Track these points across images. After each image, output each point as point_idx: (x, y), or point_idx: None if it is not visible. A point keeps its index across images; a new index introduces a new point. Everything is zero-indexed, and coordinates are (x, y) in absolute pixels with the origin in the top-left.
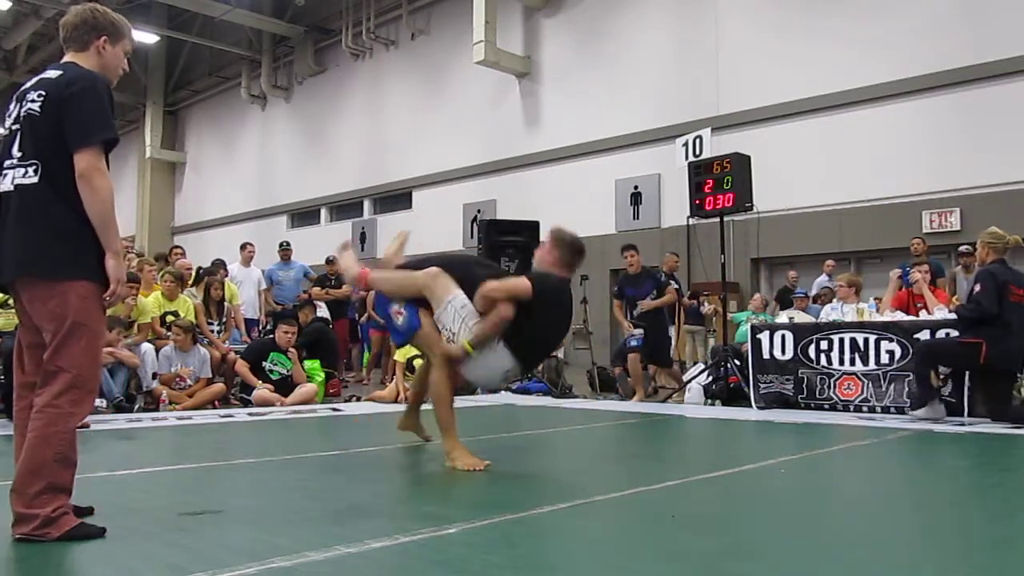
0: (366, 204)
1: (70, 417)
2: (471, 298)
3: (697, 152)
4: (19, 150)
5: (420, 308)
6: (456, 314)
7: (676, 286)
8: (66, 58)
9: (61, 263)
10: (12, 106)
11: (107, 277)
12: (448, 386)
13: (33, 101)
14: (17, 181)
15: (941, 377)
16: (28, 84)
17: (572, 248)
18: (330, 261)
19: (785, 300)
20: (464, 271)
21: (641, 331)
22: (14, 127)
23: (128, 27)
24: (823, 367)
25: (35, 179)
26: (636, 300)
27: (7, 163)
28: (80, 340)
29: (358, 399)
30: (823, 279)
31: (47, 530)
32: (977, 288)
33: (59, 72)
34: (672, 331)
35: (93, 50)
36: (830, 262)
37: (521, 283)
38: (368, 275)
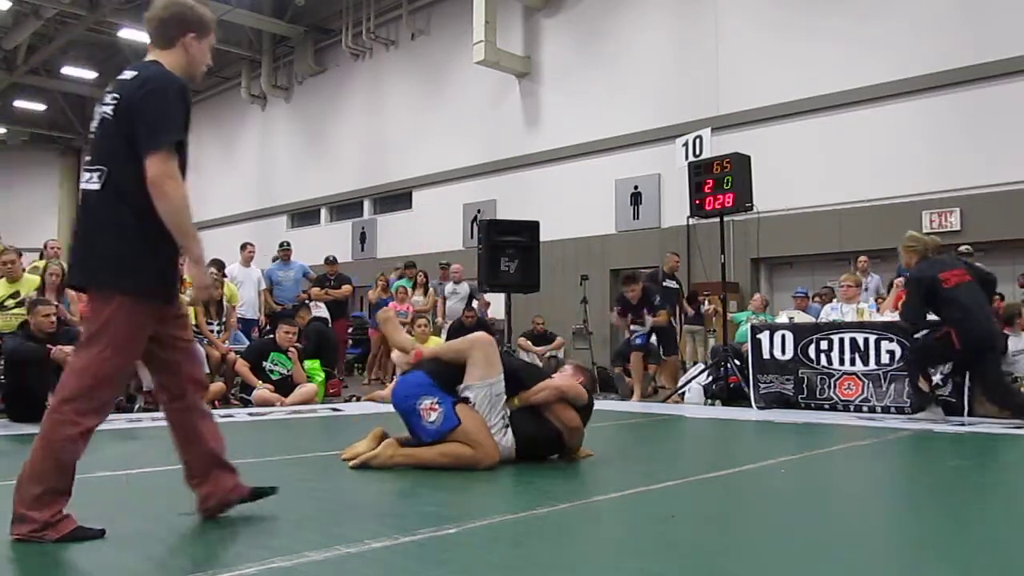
0: (366, 204)
1: (73, 426)
2: (508, 383)
3: (697, 152)
4: (90, 154)
5: (458, 402)
6: (492, 399)
7: (677, 286)
8: (149, 56)
9: (109, 275)
10: (97, 108)
11: (159, 289)
12: (468, 464)
13: (107, 104)
14: (83, 186)
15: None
16: (112, 85)
17: (593, 378)
18: (330, 261)
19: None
20: (505, 358)
21: (644, 329)
22: (92, 131)
23: (214, 20)
24: (823, 367)
25: (98, 185)
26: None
27: (84, 167)
28: (115, 355)
29: (358, 399)
30: (875, 280)
31: (45, 532)
32: (906, 297)
33: (134, 72)
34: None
35: (180, 47)
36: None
37: (580, 388)
38: (422, 354)
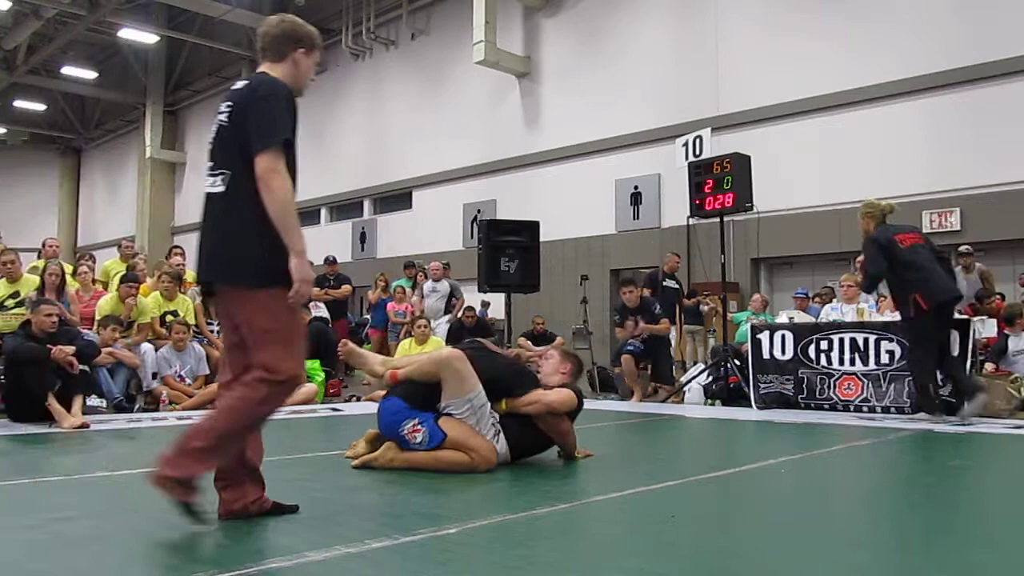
0: (366, 204)
1: (258, 405)
2: (491, 391)
3: (697, 152)
4: (211, 160)
5: (439, 417)
6: (476, 411)
7: (677, 286)
8: (260, 68)
9: (248, 271)
10: (216, 118)
11: (286, 280)
12: (466, 470)
13: (222, 112)
14: (208, 190)
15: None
16: (228, 94)
17: (580, 363)
18: (329, 261)
19: None
20: (486, 362)
21: (640, 340)
22: (211, 139)
23: (320, 39)
24: (823, 367)
25: (223, 188)
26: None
27: (206, 173)
28: (275, 343)
29: (358, 399)
30: None
31: (176, 488)
32: (860, 259)
33: (246, 82)
34: (673, 339)
35: (289, 60)
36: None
37: (571, 398)
38: (396, 374)
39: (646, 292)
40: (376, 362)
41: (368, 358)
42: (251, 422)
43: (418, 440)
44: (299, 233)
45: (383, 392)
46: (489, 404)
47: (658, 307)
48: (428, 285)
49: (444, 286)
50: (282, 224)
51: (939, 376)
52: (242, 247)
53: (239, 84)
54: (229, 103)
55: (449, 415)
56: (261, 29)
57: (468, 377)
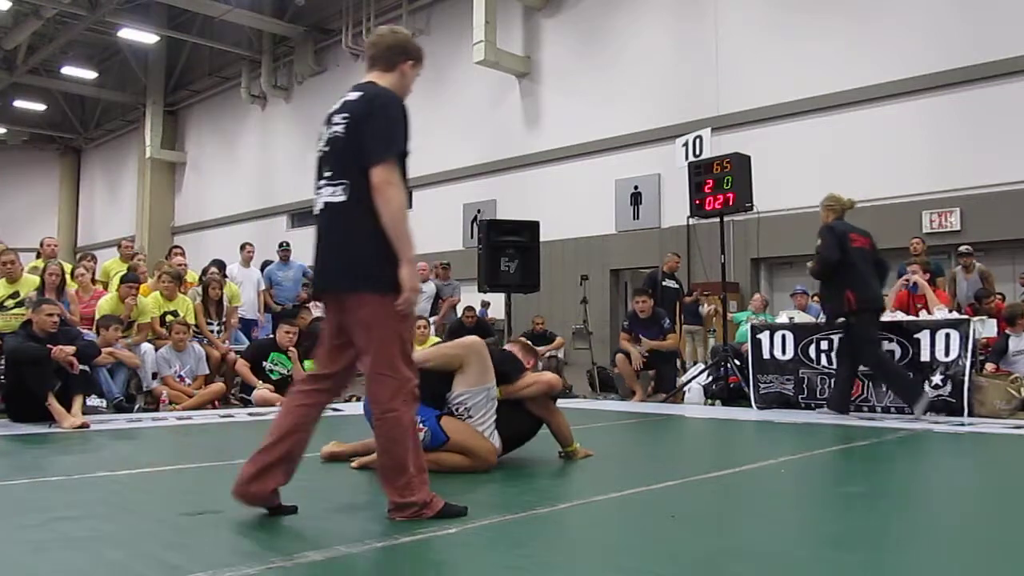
0: None
1: (404, 416)
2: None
3: (697, 152)
4: (329, 170)
5: (441, 416)
6: (487, 403)
7: (677, 286)
8: (368, 77)
9: (366, 277)
10: (322, 129)
11: (398, 286)
12: (462, 470)
13: (338, 124)
14: (327, 199)
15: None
16: (335, 107)
17: (537, 354)
18: None
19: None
20: (491, 351)
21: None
22: (324, 148)
23: (424, 51)
24: (823, 367)
25: (343, 198)
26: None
27: (319, 183)
28: (392, 346)
29: (358, 399)
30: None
31: (424, 511)
32: (819, 243)
33: (360, 93)
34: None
35: (397, 71)
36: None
37: (559, 378)
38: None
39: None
40: None
41: None
42: (407, 423)
43: (420, 439)
44: (411, 243)
45: None
46: (497, 400)
47: (668, 321)
48: None
49: (430, 287)
50: (395, 233)
51: (939, 376)
52: (363, 254)
53: (353, 95)
54: (345, 114)
55: (451, 412)
56: (372, 39)
57: (490, 368)
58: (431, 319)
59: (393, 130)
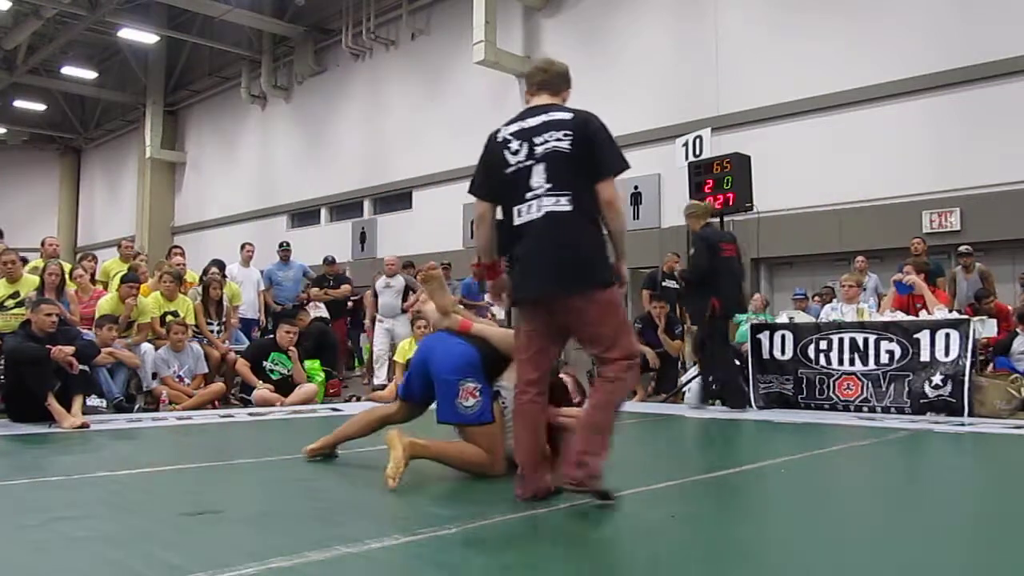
0: (366, 204)
1: (626, 388)
2: None
3: (697, 152)
4: (547, 182)
5: (495, 401)
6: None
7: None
8: (541, 100)
9: (601, 275)
10: (517, 144)
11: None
12: (471, 467)
13: (560, 140)
14: (549, 209)
15: (941, 378)
16: (533, 123)
17: None
18: (329, 262)
19: None
20: None
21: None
22: (527, 163)
23: None
24: (823, 367)
25: (569, 207)
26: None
27: (530, 194)
28: (625, 329)
29: (358, 399)
30: (873, 280)
31: (596, 481)
32: (692, 252)
33: (569, 114)
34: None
35: (560, 98)
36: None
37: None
38: (472, 325)
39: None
40: (452, 301)
41: (448, 293)
42: (626, 392)
43: (468, 404)
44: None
45: (384, 393)
46: None
47: (680, 327)
48: (381, 281)
49: (399, 281)
50: (621, 239)
51: (939, 376)
52: (591, 257)
53: (559, 115)
54: (567, 132)
55: (498, 395)
56: (542, 64)
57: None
58: (403, 317)
59: (617, 150)
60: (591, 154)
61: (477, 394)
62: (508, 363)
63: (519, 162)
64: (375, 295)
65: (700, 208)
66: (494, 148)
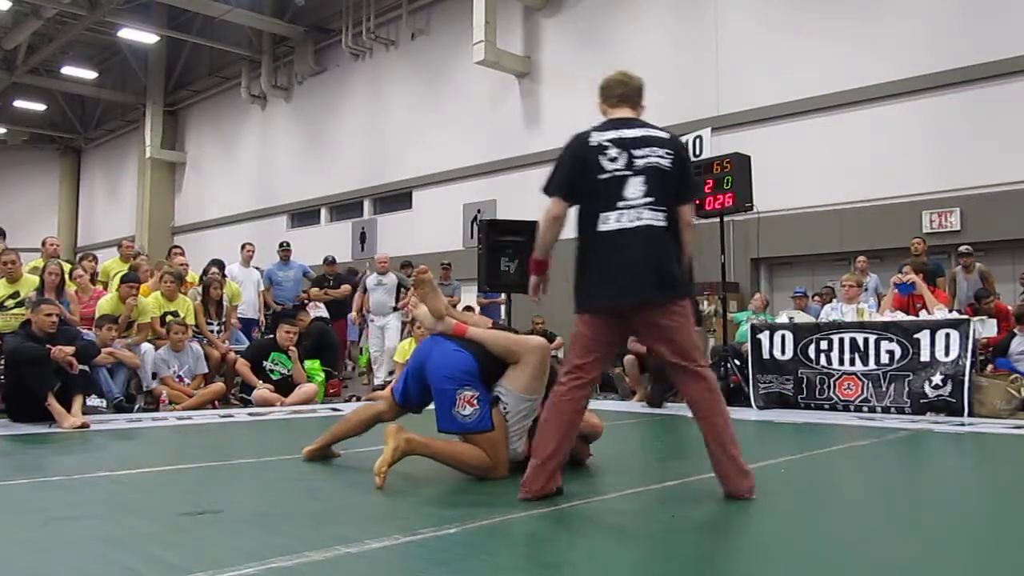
0: (366, 204)
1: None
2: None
3: (697, 152)
4: (646, 196)
5: (494, 407)
6: (527, 413)
7: None
8: (623, 113)
9: (685, 287)
10: (615, 152)
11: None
12: (472, 470)
13: (662, 157)
14: (649, 222)
15: (941, 378)
16: (632, 135)
17: None
18: (328, 262)
19: None
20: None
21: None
22: (625, 172)
23: None
24: (823, 367)
25: (664, 223)
26: None
27: (623, 203)
28: (698, 339)
29: (358, 399)
30: (874, 280)
31: (752, 483)
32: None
33: (664, 133)
34: None
35: (637, 112)
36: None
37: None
38: (467, 329)
39: None
40: (445, 304)
41: (441, 296)
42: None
43: (465, 412)
44: None
45: (384, 393)
46: (537, 412)
47: None
48: (372, 279)
49: (391, 279)
50: (693, 255)
51: (939, 376)
52: (676, 270)
53: (656, 132)
54: (668, 151)
55: (497, 400)
56: (622, 77)
57: (545, 378)
58: (395, 314)
59: (694, 176)
60: (682, 175)
61: (475, 402)
62: (505, 367)
63: (615, 170)
64: (364, 291)
65: None
66: (587, 152)
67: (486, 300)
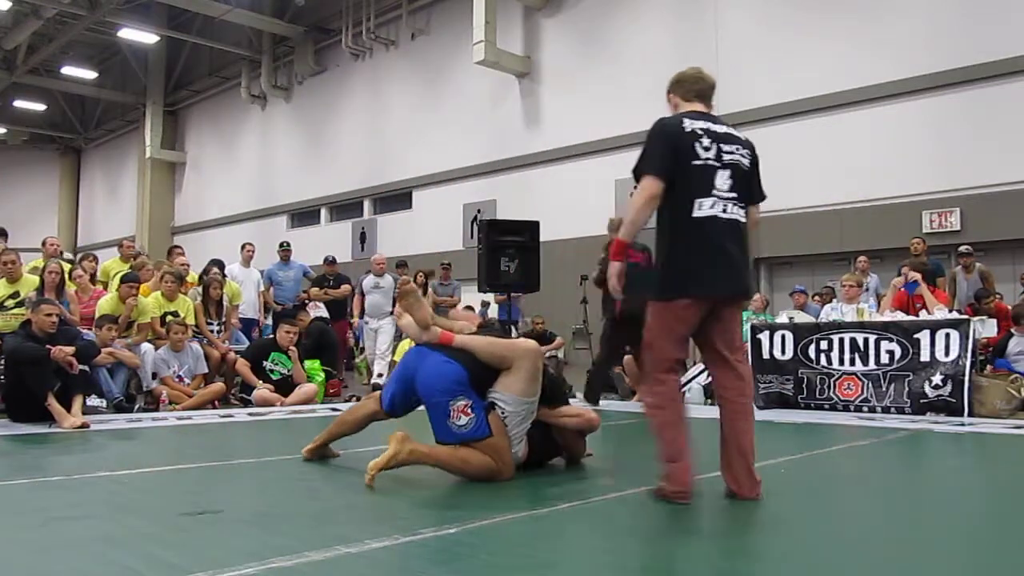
0: (366, 204)
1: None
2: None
3: None
4: (732, 190)
5: (489, 411)
6: (525, 416)
7: None
8: (699, 107)
9: (752, 284)
10: (708, 141)
11: None
12: (478, 475)
13: (743, 156)
14: (735, 217)
15: (941, 378)
16: (719, 130)
17: None
18: (329, 261)
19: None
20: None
21: None
22: (714, 163)
23: None
24: (823, 367)
25: (745, 220)
26: None
27: (715, 192)
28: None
29: (357, 399)
30: (874, 280)
31: (760, 491)
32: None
33: (740, 133)
34: None
35: (710, 109)
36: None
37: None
38: (454, 338)
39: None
40: (429, 314)
41: (426, 307)
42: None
43: (461, 423)
44: None
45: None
46: (535, 414)
47: None
48: (369, 280)
49: (388, 281)
50: (754, 254)
51: (939, 376)
52: (749, 267)
53: (735, 131)
54: (747, 151)
55: (493, 406)
56: (698, 73)
57: (539, 379)
58: (390, 318)
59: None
60: (756, 176)
61: (469, 411)
62: (497, 372)
63: (707, 159)
64: (361, 293)
65: (614, 223)
66: (683, 136)
67: (501, 297)
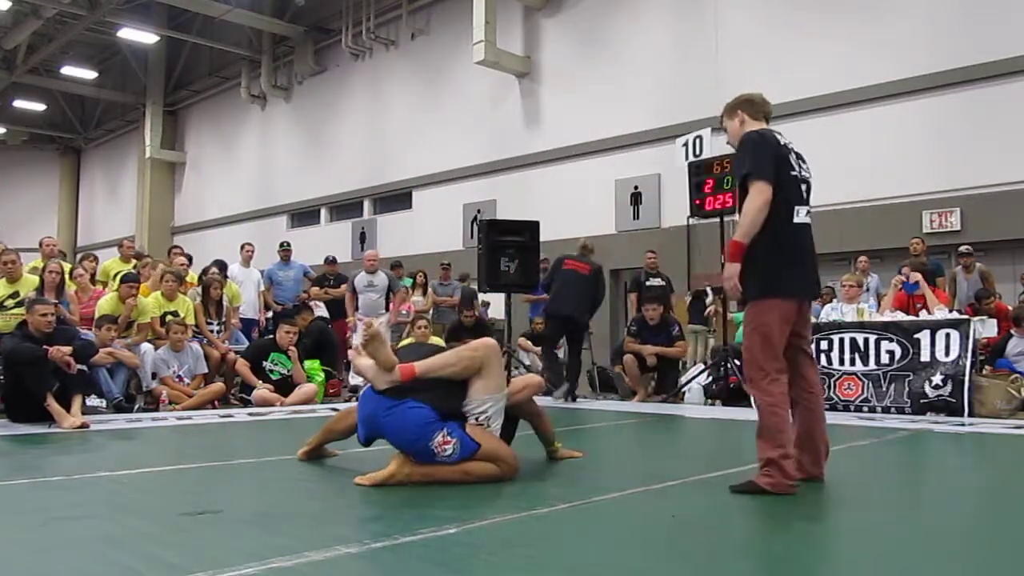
0: (366, 204)
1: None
2: None
3: (697, 152)
4: (806, 203)
5: (465, 425)
6: (500, 411)
7: (664, 283)
8: (763, 127)
9: None
10: (795, 156)
11: None
12: (490, 480)
13: (809, 173)
14: (804, 220)
15: (941, 378)
16: (794, 147)
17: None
18: (329, 261)
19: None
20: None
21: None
22: (801, 175)
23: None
24: (823, 367)
25: (810, 220)
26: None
27: (804, 200)
28: None
29: (358, 399)
30: (874, 280)
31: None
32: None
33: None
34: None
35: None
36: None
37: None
38: (415, 369)
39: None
40: (392, 357)
41: (389, 350)
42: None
43: (448, 452)
44: None
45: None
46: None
47: (677, 327)
48: (362, 278)
49: (381, 279)
50: None
51: (940, 376)
52: None
53: (793, 144)
54: (809, 168)
55: (472, 420)
56: (765, 97)
57: (503, 371)
58: (384, 317)
59: None
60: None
61: (450, 438)
62: (462, 388)
63: (797, 172)
64: (353, 291)
65: (589, 248)
66: (781, 148)
67: (535, 297)
